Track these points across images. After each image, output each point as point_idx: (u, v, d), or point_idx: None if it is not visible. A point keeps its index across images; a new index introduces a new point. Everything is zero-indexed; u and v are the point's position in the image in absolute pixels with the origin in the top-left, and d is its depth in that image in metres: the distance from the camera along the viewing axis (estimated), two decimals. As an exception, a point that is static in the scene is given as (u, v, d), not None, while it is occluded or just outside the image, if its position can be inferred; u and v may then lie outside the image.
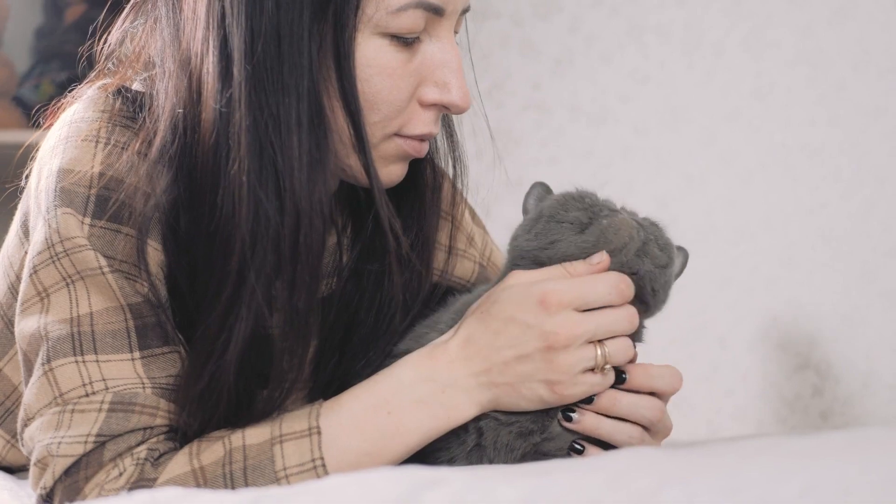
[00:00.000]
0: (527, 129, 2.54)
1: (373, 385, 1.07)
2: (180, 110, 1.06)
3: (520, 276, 1.06)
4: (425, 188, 1.21)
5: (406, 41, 1.07)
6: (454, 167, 1.24)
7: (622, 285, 1.03)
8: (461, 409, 1.05)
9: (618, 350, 1.04)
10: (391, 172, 1.13)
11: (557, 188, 2.71)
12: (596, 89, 2.49)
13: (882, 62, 2.19)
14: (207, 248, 1.05)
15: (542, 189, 1.17)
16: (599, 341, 1.03)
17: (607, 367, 1.03)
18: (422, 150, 1.13)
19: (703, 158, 2.38)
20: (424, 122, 1.10)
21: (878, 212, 2.20)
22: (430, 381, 1.05)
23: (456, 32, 1.13)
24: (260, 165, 1.02)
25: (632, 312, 1.04)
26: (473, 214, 1.38)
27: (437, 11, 1.06)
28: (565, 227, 1.07)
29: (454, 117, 1.22)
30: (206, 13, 1.05)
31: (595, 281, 1.03)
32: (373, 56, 1.06)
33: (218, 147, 1.04)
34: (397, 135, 1.10)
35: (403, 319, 1.18)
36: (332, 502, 0.81)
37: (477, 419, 1.05)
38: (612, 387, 1.06)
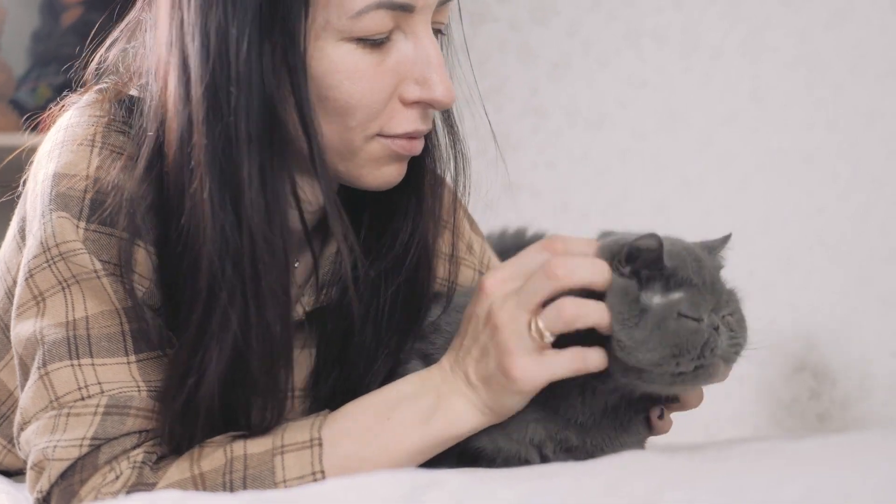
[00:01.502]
0: (524, 133, 2.54)
1: (375, 395, 1.07)
2: (150, 133, 1.07)
3: (488, 275, 1.04)
4: (423, 194, 1.19)
5: (374, 42, 1.04)
6: (455, 161, 1.21)
7: (549, 244, 1.01)
8: (462, 417, 1.04)
9: (553, 314, 0.98)
10: (385, 174, 1.11)
11: (554, 190, 2.69)
12: (593, 93, 2.49)
13: (879, 66, 2.20)
14: (179, 269, 1.05)
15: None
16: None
17: (547, 335, 0.99)
18: (413, 148, 1.11)
19: (701, 162, 2.38)
20: (408, 121, 1.08)
21: (875, 216, 2.20)
22: (428, 392, 1.05)
23: (442, 24, 1.10)
24: (219, 184, 1.01)
25: (553, 265, 0.99)
26: (472, 222, 1.37)
27: (406, 8, 1.04)
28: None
29: (455, 113, 1.20)
30: (167, 34, 1.05)
31: (524, 253, 1.02)
32: (339, 61, 1.04)
33: (182, 167, 1.03)
34: (381, 135, 1.08)
35: (407, 330, 1.17)
36: (330, 505, 0.81)
37: (539, 447, 1.05)
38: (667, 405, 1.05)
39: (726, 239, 1.14)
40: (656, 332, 0.98)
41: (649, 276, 1.00)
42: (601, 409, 1.04)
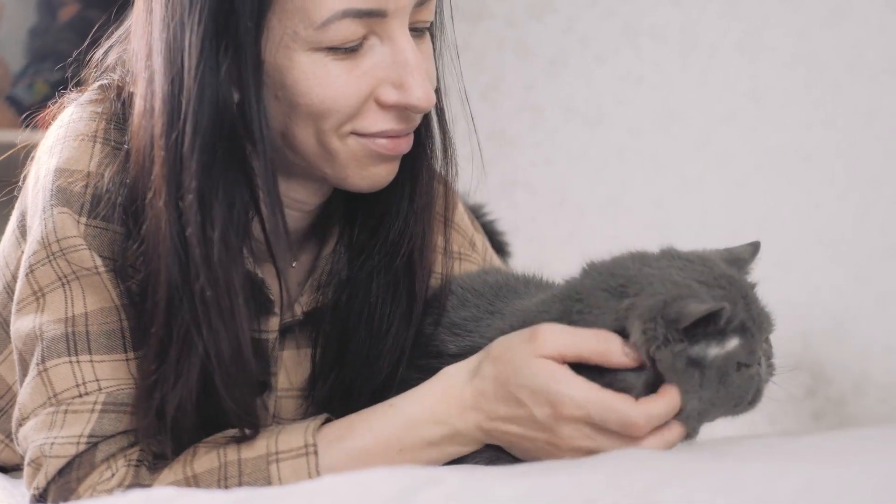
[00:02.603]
0: (521, 131, 2.54)
1: (381, 419, 1.05)
2: (125, 147, 1.07)
3: (548, 340, 1.00)
4: (416, 192, 1.17)
5: (346, 49, 1.02)
6: (445, 155, 1.19)
7: (633, 429, 0.96)
8: (467, 449, 1.05)
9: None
10: (373, 174, 1.09)
11: (551, 187, 2.68)
12: (590, 90, 2.48)
13: (877, 64, 2.19)
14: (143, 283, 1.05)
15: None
16: None
17: None
18: (397, 147, 1.08)
19: (698, 160, 2.38)
20: (383, 121, 1.06)
21: (872, 214, 2.20)
22: (442, 425, 1.04)
23: (425, 23, 1.07)
24: (175, 198, 1.00)
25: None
26: (472, 219, 1.36)
27: (375, 14, 1.01)
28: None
29: (446, 108, 1.18)
30: (139, 49, 1.05)
31: (609, 410, 0.97)
32: (310, 70, 1.02)
33: (144, 177, 1.03)
34: (355, 133, 1.06)
35: (406, 328, 1.16)
36: (327, 502, 0.81)
37: None
38: None
39: (756, 249, 1.08)
40: (722, 389, 0.97)
41: (704, 331, 0.96)
42: None
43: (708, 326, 0.95)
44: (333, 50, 1.02)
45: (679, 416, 0.97)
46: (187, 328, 1.01)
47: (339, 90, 1.03)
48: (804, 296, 2.25)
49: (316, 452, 1.02)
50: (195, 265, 1.00)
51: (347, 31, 1.01)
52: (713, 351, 0.96)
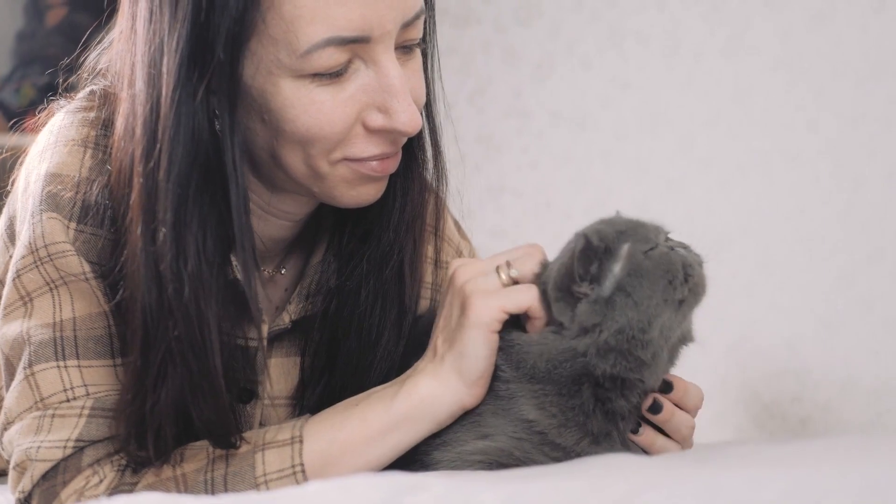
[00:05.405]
0: (508, 135, 2.55)
1: (352, 397, 1.08)
2: (109, 167, 1.07)
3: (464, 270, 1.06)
4: (408, 201, 1.17)
5: (331, 75, 1.01)
6: (436, 165, 1.19)
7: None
8: (426, 390, 1.04)
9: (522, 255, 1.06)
10: (362, 193, 1.09)
11: (537, 191, 2.68)
12: (576, 94, 2.49)
13: (860, 68, 2.21)
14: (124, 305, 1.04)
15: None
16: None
17: (514, 270, 1.04)
18: (385, 168, 1.08)
19: (683, 163, 2.39)
20: (374, 145, 1.05)
21: (856, 217, 2.22)
22: (397, 382, 1.06)
23: (414, 40, 1.06)
24: (150, 229, 1.00)
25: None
26: (459, 227, 1.36)
27: (360, 41, 1.00)
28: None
29: (437, 119, 1.18)
30: (123, 65, 1.05)
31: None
32: (295, 97, 1.01)
33: (123, 201, 1.03)
34: (346, 159, 1.06)
35: (396, 339, 1.17)
36: (312, 507, 0.81)
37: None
38: (659, 392, 1.04)
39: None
40: (644, 281, 1.01)
41: (599, 267, 1.02)
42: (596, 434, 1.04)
43: (601, 261, 1.02)
44: (318, 76, 1.01)
45: (642, 330, 1.00)
46: (163, 359, 1.00)
47: (326, 116, 1.02)
48: (789, 299, 2.26)
49: (301, 441, 1.04)
50: (168, 300, 0.99)
51: (331, 59, 1.00)
52: (616, 266, 1.02)
